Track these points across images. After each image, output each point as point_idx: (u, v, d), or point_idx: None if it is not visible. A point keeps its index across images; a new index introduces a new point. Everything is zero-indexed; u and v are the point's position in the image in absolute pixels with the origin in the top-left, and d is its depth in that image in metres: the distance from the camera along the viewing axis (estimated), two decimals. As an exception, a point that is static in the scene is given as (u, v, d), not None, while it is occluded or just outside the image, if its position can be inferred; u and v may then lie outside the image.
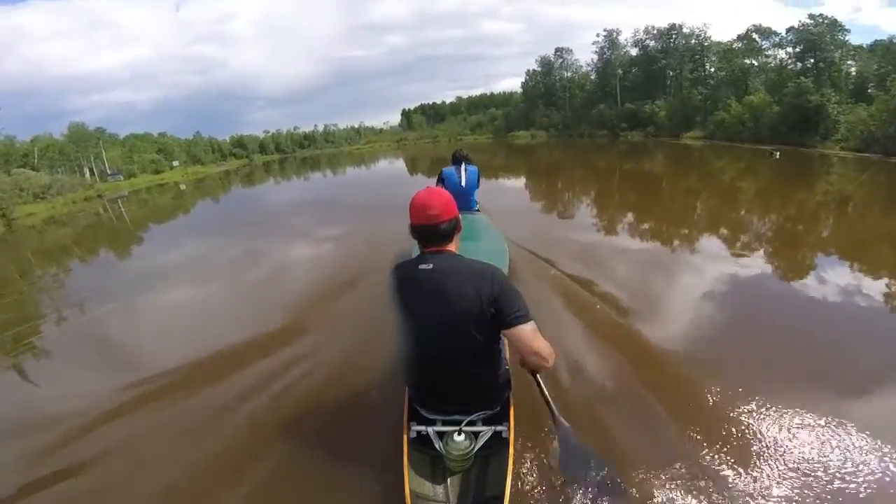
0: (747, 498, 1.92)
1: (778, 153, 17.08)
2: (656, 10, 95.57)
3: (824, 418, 2.34)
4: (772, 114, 23.91)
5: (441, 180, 4.73)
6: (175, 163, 46.98)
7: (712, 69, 36.88)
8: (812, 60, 26.93)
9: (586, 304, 4.00)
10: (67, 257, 10.56)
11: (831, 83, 24.09)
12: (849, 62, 26.94)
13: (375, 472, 2.15)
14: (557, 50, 50.15)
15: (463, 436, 1.75)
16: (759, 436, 2.27)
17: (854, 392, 2.60)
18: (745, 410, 2.44)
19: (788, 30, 29.28)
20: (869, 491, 1.92)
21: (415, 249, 1.89)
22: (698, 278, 4.74)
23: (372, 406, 2.71)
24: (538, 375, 1.82)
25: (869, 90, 23.00)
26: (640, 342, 3.29)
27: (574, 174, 17.86)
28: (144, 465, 2.52)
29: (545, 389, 1.83)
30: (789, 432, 2.28)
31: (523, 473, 2.08)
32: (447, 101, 74.25)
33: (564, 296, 4.16)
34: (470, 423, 1.81)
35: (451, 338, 1.71)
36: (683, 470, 2.06)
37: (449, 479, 1.79)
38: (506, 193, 12.35)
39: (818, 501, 1.89)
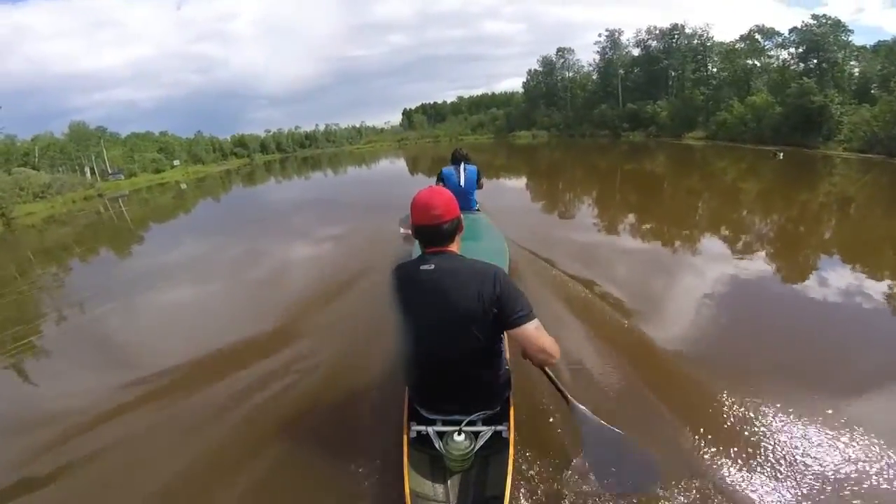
0: (748, 498, 1.92)
1: (781, 154, 17.00)
2: (658, 10, 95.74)
3: (826, 419, 2.34)
4: (774, 114, 23.86)
5: (441, 180, 4.72)
6: (176, 162, 47.02)
7: (714, 69, 36.83)
8: (815, 61, 26.90)
9: (587, 304, 3.98)
10: (67, 256, 10.55)
11: (834, 84, 24.05)
12: (852, 63, 26.88)
13: (375, 472, 2.15)
14: (559, 50, 50.13)
15: (463, 436, 1.74)
16: (760, 436, 2.26)
17: (856, 393, 2.60)
18: (747, 411, 2.43)
19: (791, 30, 29.29)
20: (870, 492, 1.91)
21: (415, 249, 1.86)
22: (700, 279, 4.72)
23: (372, 406, 2.70)
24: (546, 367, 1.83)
25: (872, 91, 22.97)
26: (641, 342, 3.28)
27: (575, 174, 17.84)
28: (144, 464, 2.52)
29: (553, 377, 1.88)
30: (790, 433, 2.27)
31: (523, 473, 2.07)
32: (448, 101, 74.31)
33: (565, 296, 4.14)
34: (470, 423, 1.80)
35: (453, 338, 1.70)
36: (684, 469, 2.05)
37: (449, 479, 1.78)
38: (507, 193, 12.34)
39: (819, 502, 1.88)
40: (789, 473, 2.02)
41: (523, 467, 2.09)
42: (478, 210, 5.03)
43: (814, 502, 1.88)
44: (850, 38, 27.22)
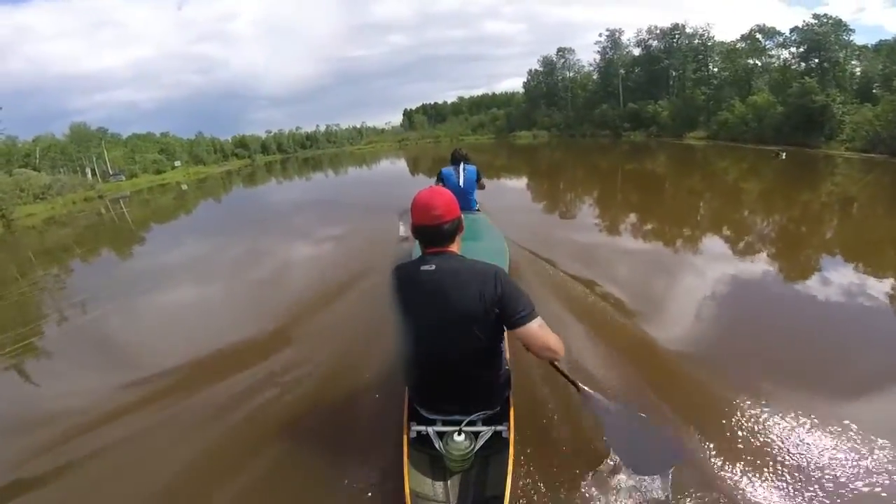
0: (749, 497, 1.91)
1: (784, 154, 16.94)
2: (658, 10, 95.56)
3: (827, 419, 2.32)
4: (776, 114, 23.82)
5: (440, 180, 4.72)
6: (177, 163, 47.05)
7: (715, 69, 36.78)
8: (816, 60, 26.84)
9: (588, 304, 3.97)
10: (68, 257, 10.56)
11: (836, 83, 24.02)
12: (853, 62, 26.82)
13: (375, 472, 2.14)
14: (559, 50, 50.11)
15: (463, 436, 1.75)
16: (762, 436, 2.25)
17: (858, 393, 2.59)
18: (749, 411, 2.43)
19: (792, 30, 29.22)
20: (871, 492, 1.91)
21: (415, 250, 1.85)
22: (702, 279, 4.71)
23: (372, 406, 2.69)
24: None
25: (874, 90, 22.91)
26: (643, 342, 3.27)
27: (576, 174, 17.83)
28: (145, 464, 2.53)
29: (562, 369, 1.93)
30: (792, 433, 2.26)
31: (523, 473, 2.06)
32: (449, 101, 74.34)
33: (566, 296, 4.13)
34: (470, 423, 1.80)
35: (454, 338, 1.70)
36: (686, 469, 2.04)
37: (449, 479, 1.78)
38: (508, 194, 12.33)
39: (820, 502, 1.88)
40: (791, 474, 2.01)
41: (523, 467, 2.09)
42: (478, 210, 5.03)
43: (815, 502, 1.88)
44: (851, 38, 27.20)
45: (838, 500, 1.88)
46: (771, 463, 2.08)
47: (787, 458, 2.10)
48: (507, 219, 7.07)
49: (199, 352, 3.75)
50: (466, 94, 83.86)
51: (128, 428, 2.83)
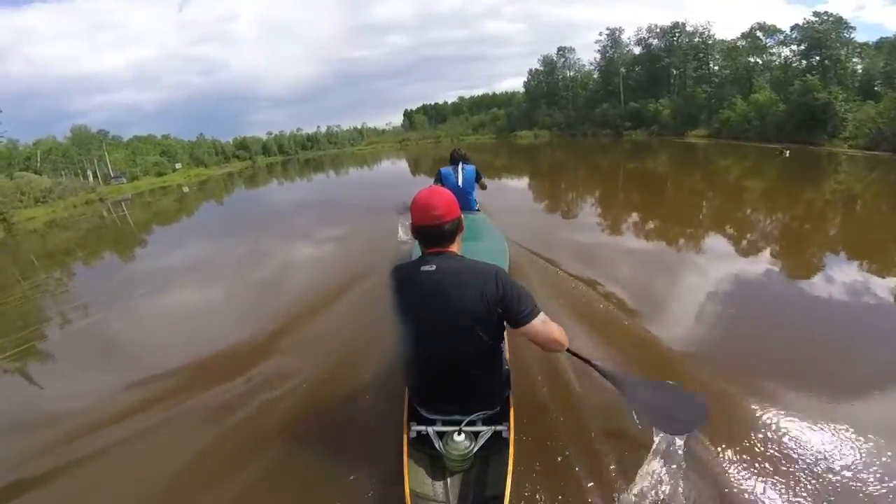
0: (750, 497, 1.91)
1: (788, 152, 16.88)
2: (658, 9, 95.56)
3: (830, 418, 2.31)
4: (778, 112, 23.79)
5: (439, 180, 4.69)
6: (178, 165, 47.14)
7: (716, 67, 36.76)
8: (817, 58, 26.80)
9: (590, 304, 3.95)
10: (71, 260, 10.57)
11: (838, 81, 23.96)
12: (854, 59, 26.78)
13: (375, 472, 2.14)
14: (560, 49, 50.17)
15: (463, 436, 1.75)
16: (764, 436, 2.24)
17: (863, 393, 2.57)
18: (752, 410, 2.42)
19: (793, 27, 29.24)
20: (873, 491, 1.89)
21: (415, 250, 1.82)
22: (704, 278, 4.68)
23: (372, 406, 2.69)
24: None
25: (876, 87, 22.85)
26: (645, 342, 3.24)
27: (577, 174, 17.80)
28: (145, 465, 2.54)
29: (574, 351, 1.94)
30: (794, 432, 2.25)
31: (523, 473, 2.05)
32: (449, 102, 74.55)
33: (568, 296, 4.11)
34: (470, 423, 1.80)
35: (454, 339, 1.69)
36: (689, 467, 2.03)
37: (449, 479, 1.78)
38: (509, 193, 12.33)
39: (822, 501, 1.86)
40: (793, 473, 2.00)
41: (523, 467, 2.07)
42: (477, 210, 5.03)
43: (818, 501, 1.86)
44: (852, 35, 27.17)
45: (840, 500, 1.86)
46: (773, 462, 2.06)
47: (790, 457, 2.09)
48: (509, 218, 7.08)
49: (200, 353, 3.75)
50: (467, 94, 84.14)
51: (129, 429, 2.83)
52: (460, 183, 4.68)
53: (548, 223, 8.37)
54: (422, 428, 1.85)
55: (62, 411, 3.22)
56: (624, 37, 44.31)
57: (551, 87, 50.60)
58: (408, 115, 76.39)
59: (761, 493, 1.91)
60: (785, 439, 2.20)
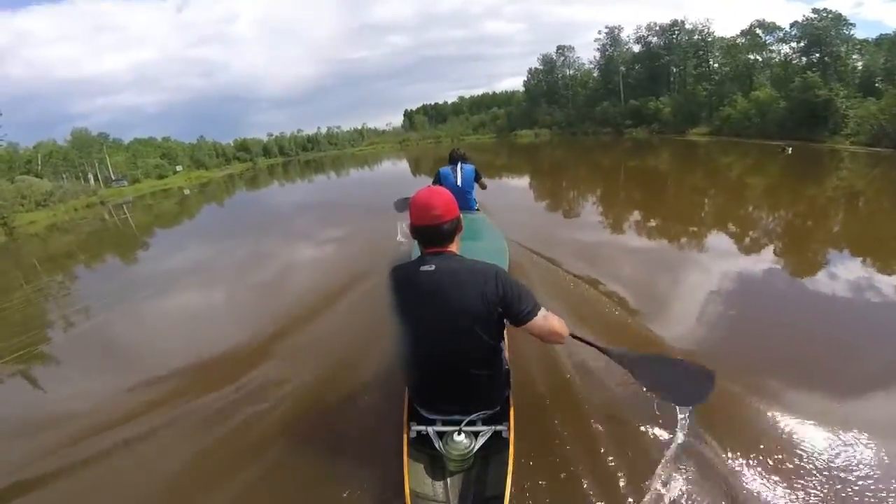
0: (753, 496, 1.89)
1: (790, 149, 16.83)
2: (657, 7, 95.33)
3: (834, 417, 2.31)
4: (779, 109, 23.73)
5: (438, 180, 4.68)
6: (178, 167, 47.14)
7: (716, 65, 36.70)
8: (817, 55, 26.75)
9: (592, 303, 3.94)
10: (73, 264, 10.59)
11: (838, 77, 23.89)
12: (854, 56, 26.71)
13: (375, 472, 2.14)
14: (559, 48, 50.17)
15: (463, 435, 1.75)
16: (767, 434, 2.23)
17: (866, 391, 2.57)
18: (754, 408, 2.41)
19: (792, 24, 29.18)
20: (872, 491, 1.88)
21: (415, 250, 1.82)
22: (707, 276, 4.66)
23: (372, 406, 2.69)
24: None
25: (876, 84, 22.78)
26: (647, 340, 3.23)
27: (578, 173, 17.80)
28: (147, 466, 2.55)
29: (579, 336, 1.97)
30: (798, 431, 2.24)
31: (523, 473, 2.04)
32: (449, 101, 74.47)
33: (570, 295, 4.10)
34: (470, 423, 1.80)
35: (454, 339, 1.70)
36: (692, 466, 2.04)
37: (449, 479, 1.78)
38: (510, 193, 12.33)
39: (825, 501, 1.85)
40: (796, 472, 1.99)
41: (523, 467, 2.07)
42: (477, 210, 5.02)
43: (819, 501, 1.85)
44: (852, 32, 27.08)
45: (844, 498, 1.86)
46: (775, 460, 2.05)
47: (793, 456, 2.08)
48: (510, 218, 7.09)
49: (201, 356, 3.76)
50: (467, 93, 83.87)
51: (132, 431, 2.83)
52: (459, 183, 4.68)
53: (549, 222, 8.36)
54: (422, 428, 1.85)
55: (65, 413, 3.23)
56: (623, 35, 44.35)
57: (551, 85, 50.57)
58: (408, 115, 76.37)
59: (763, 492, 1.90)
60: (788, 438, 2.20)
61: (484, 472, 1.79)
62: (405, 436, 1.86)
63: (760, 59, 32.47)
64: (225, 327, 4.54)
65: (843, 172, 12.75)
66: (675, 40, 39.50)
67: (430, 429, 1.83)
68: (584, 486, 1.98)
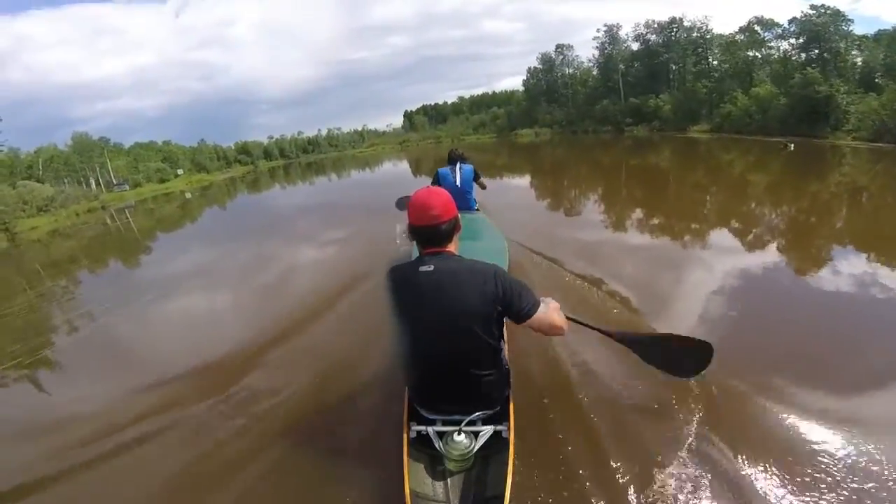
0: (758, 494, 1.89)
1: (792, 145, 16.74)
2: (655, 5, 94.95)
3: (841, 415, 2.30)
4: (779, 105, 23.64)
5: (437, 181, 4.68)
6: (179, 171, 47.16)
7: (715, 62, 36.60)
8: (816, 51, 26.67)
9: (595, 302, 3.93)
10: (76, 269, 10.64)
11: (838, 73, 23.82)
12: (853, 52, 26.62)
13: (375, 472, 2.15)
14: (558, 46, 49.92)
15: (463, 435, 1.75)
16: (773, 432, 2.22)
17: (873, 387, 2.56)
18: (760, 406, 2.40)
19: (791, 21, 29.12)
20: (874, 490, 1.87)
21: (414, 251, 1.88)
22: (710, 274, 4.63)
23: (372, 406, 2.70)
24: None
25: (876, 79, 22.71)
26: None
27: (579, 171, 17.76)
28: (148, 467, 2.57)
29: (580, 320, 2.10)
30: (803, 428, 2.23)
31: (523, 473, 2.04)
32: (449, 102, 74.15)
33: (572, 295, 4.08)
34: (470, 423, 1.80)
35: (454, 339, 1.70)
36: (695, 465, 2.04)
37: (449, 479, 1.78)
38: (511, 192, 12.33)
39: (826, 500, 1.84)
40: (801, 470, 1.98)
41: (523, 467, 2.06)
42: (477, 210, 5.02)
43: (821, 500, 1.84)
44: (850, 28, 27.02)
45: (849, 496, 1.85)
46: (780, 459, 2.04)
47: (799, 453, 2.07)
48: (511, 217, 7.09)
49: (204, 358, 3.79)
50: (466, 93, 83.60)
51: (134, 433, 2.86)
52: (458, 183, 4.67)
53: (550, 221, 8.34)
54: (422, 428, 1.86)
55: (68, 417, 3.26)
56: (622, 33, 44.17)
57: (551, 84, 50.46)
58: (408, 116, 76.29)
59: (768, 491, 1.89)
60: (794, 436, 2.19)
61: (484, 472, 1.80)
62: (405, 436, 1.87)
63: (759, 56, 32.40)
64: (227, 330, 4.56)
65: (846, 168, 12.68)
66: (673, 38, 39.36)
67: (430, 429, 1.84)
68: (585, 486, 1.98)
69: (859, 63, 25.82)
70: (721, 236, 6.21)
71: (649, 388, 2.62)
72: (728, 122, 27.53)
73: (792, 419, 2.28)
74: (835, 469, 1.97)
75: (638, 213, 8.28)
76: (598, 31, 45.30)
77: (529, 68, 52.59)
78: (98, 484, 2.52)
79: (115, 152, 45.46)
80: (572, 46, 49.52)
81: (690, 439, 2.18)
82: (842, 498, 1.84)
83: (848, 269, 4.44)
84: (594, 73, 47.56)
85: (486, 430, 1.81)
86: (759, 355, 2.98)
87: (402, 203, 5.27)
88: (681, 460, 2.06)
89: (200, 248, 10.72)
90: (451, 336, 1.70)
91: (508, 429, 1.84)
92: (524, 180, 16.21)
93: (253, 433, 2.66)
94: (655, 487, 1.93)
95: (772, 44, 31.95)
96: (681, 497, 1.88)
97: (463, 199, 4.56)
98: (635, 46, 43.15)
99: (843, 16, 26.92)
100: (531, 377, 2.75)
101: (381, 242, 6.36)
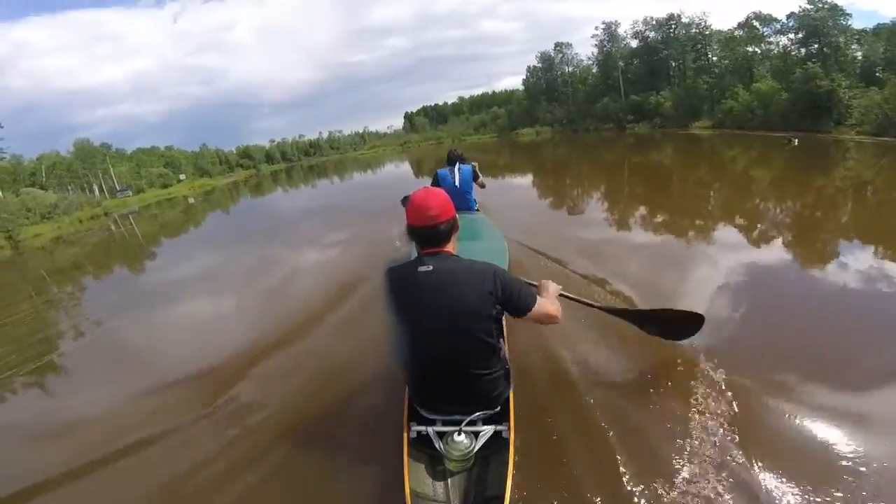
0: (763, 492, 1.87)
1: (796, 140, 16.64)
2: (654, 2, 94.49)
3: (848, 410, 2.28)
4: (781, 101, 23.56)
5: (436, 182, 4.68)
6: (182, 176, 47.29)
7: (715, 58, 36.52)
8: (816, 46, 26.57)
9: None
10: (80, 275, 10.70)
11: (839, 68, 23.72)
12: (853, 46, 26.50)
13: (375, 472, 2.16)
14: (557, 45, 49.97)
15: (463, 436, 1.75)
16: (779, 429, 2.21)
17: (881, 383, 2.54)
18: (765, 403, 2.39)
19: (789, 16, 28.99)
20: (874, 489, 1.84)
21: (414, 252, 1.88)
22: (714, 271, 4.58)
23: (372, 406, 2.71)
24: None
25: (877, 73, 22.60)
26: (652, 338, 3.16)
27: (581, 169, 17.70)
28: (150, 468, 2.60)
29: (574, 297, 2.31)
30: (810, 425, 2.21)
31: (524, 473, 2.03)
32: (449, 102, 74.61)
33: (574, 294, 4.03)
34: (470, 423, 1.80)
35: (453, 339, 1.70)
36: (698, 464, 2.03)
37: (449, 479, 1.78)
38: (512, 191, 12.31)
39: (827, 499, 1.82)
40: (808, 467, 1.97)
41: (523, 467, 2.06)
42: (477, 210, 5.01)
43: (823, 500, 1.82)
44: (849, 22, 26.90)
45: (856, 492, 1.83)
46: (786, 456, 2.03)
47: (805, 450, 2.07)
48: (513, 216, 7.08)
49: (207, 362, 3.82)
50: (466, 93, 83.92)
51: (136, 434, 2.88)
52: (457, 183, 4.66)
53: (552, 220, 8.32)
54: (422, 428, 1.86)
55: (74, 421, 3.31)
56: (620, 30, 44.12)
57: (550, 83, 50.45)
58: (408, 117, 76.53)
59: (774, 489, 1.88)
60: (800, 433, 2.17)
61: (484, 472, 1.79)
62: (405, 436, 1.87)
63: (759, 52, 32.30)
64: (230, 334, 4.58)
65: (850, 163, 12.58)
66: (672, 34, 39.31)
67: (430, 429, 1.84)
68: (586, 485, 1.98)
69: (860, 57, 25.68)
70: (725, 233, 6.16)
71: (650, 387, 2.61)
72: (730, 117, 27.45)
73: (799, 414, 2.26)
74: (844, 466, 1.95)
75: (641, 211, 8.22)
76: (596, 28, 45.31)
77: (529, 67, 52.70)
78: (102, 487, 2.53)
79: (118, 158, 45.67)
80: (571, 44, 49.63)
81: (693, 437, 2.16)
82: (851, 495, 1.82)
83: (854, 263, 4.38)
84: (594, 70, 47.55)
85: (487, 430, 1.81)
86: (766, 351, 2.95)
87: (405, 200, 5.27)
88: (683, 458, 2.05)
89: (204, 252, 10.76)
90: (451, 336, 1.70)
91: (509, 429, 1.84)
92: (526, 179, 16.18)
93: (255, 435, 2.68)
94: (657, 486, 1.92)
95: (771, 39, 31.86)
96: (684, 495, 1.87)
97: (462, 200, 4.55)
98: (634, 43, 43.16)
99: (842, 10, 26.80)
100: (531, 376, 2.74)
101: (382, 245, 6.40)
